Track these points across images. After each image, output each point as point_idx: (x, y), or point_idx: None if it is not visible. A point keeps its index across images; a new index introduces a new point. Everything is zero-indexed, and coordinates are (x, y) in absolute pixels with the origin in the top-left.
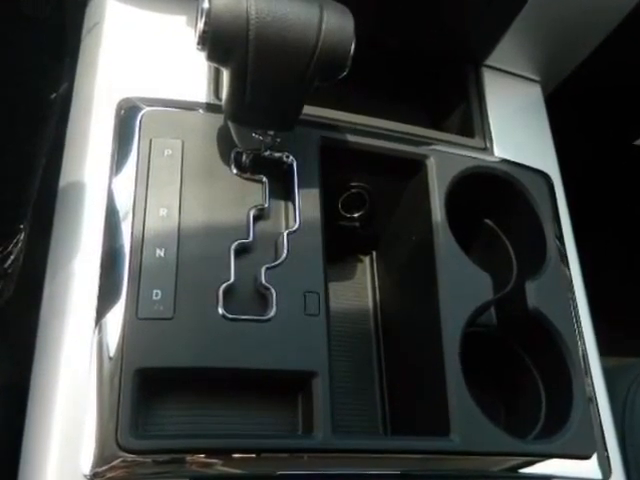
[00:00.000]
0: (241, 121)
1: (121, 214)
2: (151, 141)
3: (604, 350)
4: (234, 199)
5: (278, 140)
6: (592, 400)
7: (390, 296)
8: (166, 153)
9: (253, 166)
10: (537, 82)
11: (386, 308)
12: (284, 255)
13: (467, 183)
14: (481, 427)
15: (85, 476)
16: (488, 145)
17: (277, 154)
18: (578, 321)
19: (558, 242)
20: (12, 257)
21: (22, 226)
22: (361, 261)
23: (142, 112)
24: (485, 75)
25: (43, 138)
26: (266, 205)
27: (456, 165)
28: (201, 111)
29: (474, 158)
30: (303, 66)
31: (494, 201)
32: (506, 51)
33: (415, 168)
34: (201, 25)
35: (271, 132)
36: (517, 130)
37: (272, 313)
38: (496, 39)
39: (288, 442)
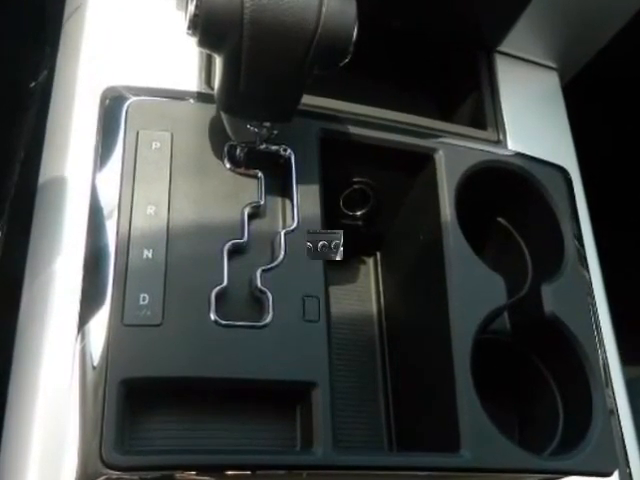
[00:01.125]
0: (235, 112)
1: (106, 212)
2: (138, 133)
3: (626, 359)
4: (227, 196)
5: (275, 132)
6: (613, 412)
7: (395, 300)
8: (154, 146)
9: (248, 160)
10: (554, 69)
11: (391, 313)
12: (281, 256)
13: (479, 179)
14: (494, 442)
15: None
16: (501, 137)
17: (274, 147)
18: (598, 327)
19: (576, 242)
20: None
21: None
22: (364, 263)
23: (128, 102)
24: (498, 62)
25: (22, 130)
26: (262, 202)
27: (467, 159)
28: (192, 101)
29: (486, 152)
30: (302, 52)
31: (508, 198)
32: (521, 36)
33: (423, 162)
34: (192, 8)
35: (267, 124)
36: (532, 121)
37: (268, 319)
38: (510, 23)
39: (286, 458)
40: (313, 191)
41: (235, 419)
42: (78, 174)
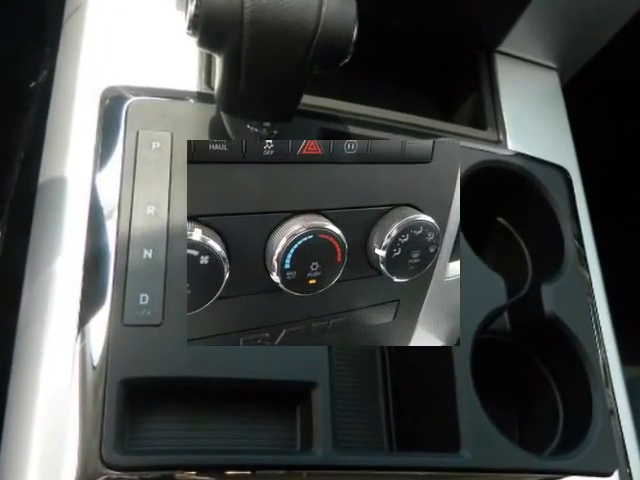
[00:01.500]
0: (235, 112)
1: (106, 212)
2: (138, 133)
3: (626, 359)
4: None
5: (275, 132)
6: (613, 412)
7: None
8: (154, 146)
9: None
10: (554, 69)
11: None
12: None
13: (479, 178)
14: (494, 442)
15: None
16: (501, 137)
17: None
18: (598, 327)
19: (577, 242)
20: None
21: None
22: None
23: (128, 102)
24: (498, 62)
25: (22, 130)
26: None
27: (467, 159)
28: (192, 101)
29: (486, 152)
30: (302, 52)
31: (508, 198)
32: (521, 36)
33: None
34: (192, 8)
35: (267, 124)
36: (532, 121)
37: None
38: (510, 23)
39: (286, 458)
40: None
41: (235, 419)
42: (78, 174)
